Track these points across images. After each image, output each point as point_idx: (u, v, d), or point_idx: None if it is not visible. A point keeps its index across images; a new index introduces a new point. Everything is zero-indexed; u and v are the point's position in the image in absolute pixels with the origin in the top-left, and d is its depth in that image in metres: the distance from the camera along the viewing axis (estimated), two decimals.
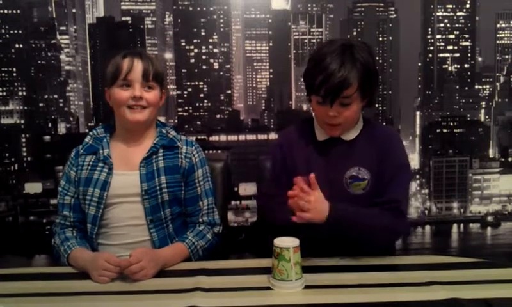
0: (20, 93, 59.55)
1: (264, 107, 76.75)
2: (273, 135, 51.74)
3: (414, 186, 55.04)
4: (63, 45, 68.57)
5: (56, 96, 61.55)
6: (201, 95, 74.77)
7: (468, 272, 1.26)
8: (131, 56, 1.41)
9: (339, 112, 1.34)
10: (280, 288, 1.15)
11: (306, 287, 1.17)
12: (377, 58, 77.23)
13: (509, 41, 73.50)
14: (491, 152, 60.22)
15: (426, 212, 53.07)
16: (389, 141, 1.42)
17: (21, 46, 61.12)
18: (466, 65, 73.60)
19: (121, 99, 1.40)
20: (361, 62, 1.33)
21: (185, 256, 1.39)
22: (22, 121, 57.35)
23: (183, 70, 75.63)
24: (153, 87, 1.42)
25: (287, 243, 1.15)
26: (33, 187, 44.29)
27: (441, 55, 74.30)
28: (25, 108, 58.32)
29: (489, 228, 48.41)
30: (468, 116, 64.14)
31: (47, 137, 52.70)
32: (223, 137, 56.60)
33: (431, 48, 74.74)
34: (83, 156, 1.46)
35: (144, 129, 1.46)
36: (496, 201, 51.77)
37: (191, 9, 75.64)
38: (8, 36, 60.74)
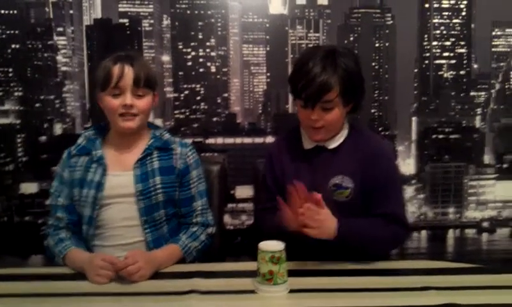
0: (16, 93, 59.37)
1: (260, 111, 76.92)
2: (270, 139, 51.77)
3: (410, 191, 55.26)
4: (59, 46, 68.49)
5: (52, 97, 61.40)
6: (198, 98, 74.78)
7: (464, 277, 1.26)
8: (122, 62, 1.39)
9: (321, 116, 1.36)
10: (283, 291, 1.15)
11: (303, 291, 1.17)
12: (373, 64, 77.67)
13: (504, 49, 74.13)
14: (487, 158, 60.57)
15: (422, 217, 53.25)
16: (376, 151, 1.42)
17: (18, 46, 60.98)
18: (462, 72, 74.10)
19: (112, 107, 1.39)
20: (343, 68, 1.34)
21: (179, 257, 1.39)
22: (18, 122, 57.15)
23: (180, 73, 75.67)
24: (144, 94, 1.41)
25: (279, 245, 1.15)
26: (29, 188, 44.10)
27: (437, 61, 74.78)
28: (21, 108, 58.14)
29: (484, 234, 48.63)
30: (464, 122, 64.53)
31: (43, 138, 52.58)
32: (219, 140, 56.60)
33: (427, 54, 75.22)
34: (76, 157, 1.45)
35: (136, 132, 1.46)
36: (491, 207, 52.03)
37: (188, 12, 75.80)
38: (4, 36, 60.59)
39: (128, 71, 1.38)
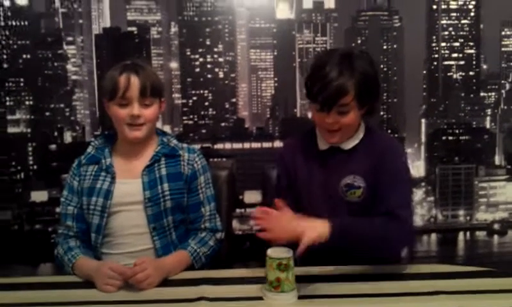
0: (27, 103, 60.14)
1: (268, 115, 76.91)
2: (278, 143, 51.68)
3: (419, 194, 54.81)
4: (69, 55, 69.29)
5: (62, 105, 62.10)
6: (206, 104, 75.02)
7: (475, 281, 1.25)
8: (128, 72, 1.39)
9: (336, 119, 1.35)
10: (291, 299, 1.13)
11: (311, 297, 1.17)
12: (381, 66, 77.31)
13: None
14: (497, 159, 59.88)
15: (432, 219, 52.74)
16: (387, 151, 1.41)
17: (28, 56, 61.86)
18: (471, 73, 73.44)
19: (120, 117, 1.41)
20: (360, 71, 1.34)
21: (188, 263, 1.39)
22: (29, 130, 57.83)
23: (188, 79, 76.01)
24: (151, 103, 1.42)
25: (288, 252, 1.14)
26: (39, 196, 44.48)
27: (445, 63, 74.22)
28: (32, 117, 58.87)
29: (495, 236, 48.00)
30: (474, 123, 63.91)
31: (53, 146, 53.12)
32: (227, 145, 56.68)
33: (436, 55, 74.71)
34: (85, 166, 1.47)
35: (144, 140, 1.46)
36: (502, 208, 51.35)
37: (196, 19, 76.28)
38: (15, 47, 61.54)
39: (135, 82, 1.39)
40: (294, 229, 1.21)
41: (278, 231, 1.22)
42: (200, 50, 76.32)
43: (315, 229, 1.22)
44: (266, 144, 54.94)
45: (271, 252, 1.13)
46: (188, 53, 75.98)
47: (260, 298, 1.16)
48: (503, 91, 69.07)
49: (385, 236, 1.32)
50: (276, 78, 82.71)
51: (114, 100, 1.40)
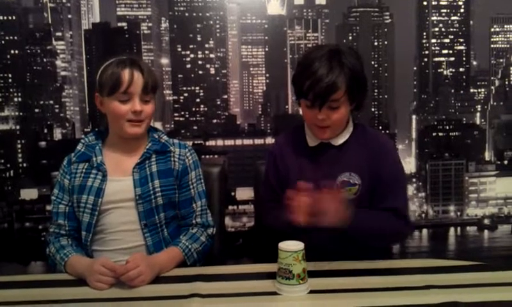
0: (15, 99, 59.41)
1: (260, 112, 76.89)
2: (270, 140, 51.70)
3: (411, 190, 55.22)
4: (58, 51, 68.50)
5: (51, 102, 61.43)
6: (198, 100, 74.74)
7: (466, 275, 1.26)
8: (131, 68, 1.39)
9: (328, 115, 1.36)
10: (305, 291, 1.15)
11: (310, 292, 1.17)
12: (372, 62, 77.63)
13: (503, 45, 74.07)
14: (487, 155, 60.53)
15: (423, 215, 53.23)
16: (382, 148, 1.43)
17: (16, 52, 61.05)
18: (461, 69, 74.05)
19: (121, 113, 1.39)
20: (349, 67, 1.35)
21: (180, 260, 1.39)
22: (18, 127, 57.17)
23: (179, 76, 75.64)
24: (150, 99, 1.42)
25: (300, 245, 1.15)
26: (29, 193, 44.07)
27: (436, 59, 74.74)
28: (21, 114, 58.19)
29: (486, 231, 48.57)
30: (464, 119, 64.49)
31: (43, 143, 52.59)
32: (219, 142, 56.58)
33: (426, 52, 75.20)
34: (76, 164, 1.45)
35: (138, 137, 1.46)
36: (492, 204, 51.96)
37: (186, 14, 75.83)
38: (3, 42, 60.69)
39: (138, 77, 1.38)
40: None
41: (337, 215, 1.25)
42: (191, 46, 75.95)
43: (337, 215, 1.26)
44: (258, 141, 54.92)
45: (292, 245, 1.13)
46: (179, 49, 75.57)
47: (252, 294, 1.16)
48: (492, 88, 69.77)
49: (392, 232, 1.41)
50: (267, 75, 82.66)
51: (114, 95, 1.38)
